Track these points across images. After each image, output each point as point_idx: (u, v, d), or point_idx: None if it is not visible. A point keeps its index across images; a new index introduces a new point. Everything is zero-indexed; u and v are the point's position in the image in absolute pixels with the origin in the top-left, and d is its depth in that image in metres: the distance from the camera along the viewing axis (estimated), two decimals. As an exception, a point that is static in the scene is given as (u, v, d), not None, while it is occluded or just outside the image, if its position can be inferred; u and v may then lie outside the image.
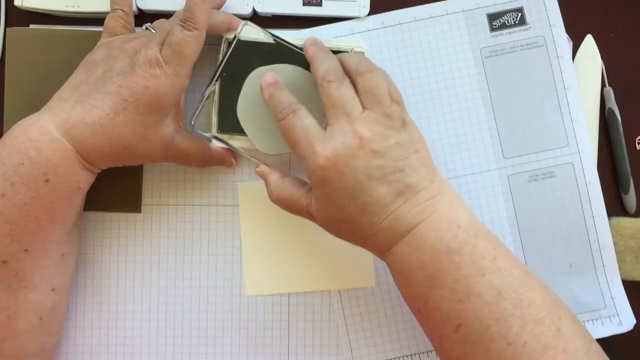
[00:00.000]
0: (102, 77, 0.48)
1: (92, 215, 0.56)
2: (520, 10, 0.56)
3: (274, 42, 0.53)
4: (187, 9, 0.49)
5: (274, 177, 0.51)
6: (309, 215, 0.49)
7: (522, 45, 0.56)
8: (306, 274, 0.56)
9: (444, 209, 0.45)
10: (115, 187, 0.55)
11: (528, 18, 0.56)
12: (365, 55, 0.54)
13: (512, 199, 0.56)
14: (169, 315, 0.56)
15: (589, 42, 0.56)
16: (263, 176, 0.52)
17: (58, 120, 0.46)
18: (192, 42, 0.48)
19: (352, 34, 0.56)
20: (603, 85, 0.57)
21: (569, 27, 0.56)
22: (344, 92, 0.47)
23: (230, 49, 0.53)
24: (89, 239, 0.56)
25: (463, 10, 0.56)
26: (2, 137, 0.47)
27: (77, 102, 0.47)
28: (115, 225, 0.56)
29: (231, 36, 0.53)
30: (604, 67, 0.56)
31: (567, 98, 0.56)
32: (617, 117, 0.56)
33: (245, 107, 0.53)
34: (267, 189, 0.51)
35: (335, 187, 0.45)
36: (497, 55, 0.56)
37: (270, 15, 0.56)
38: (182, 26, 0.48)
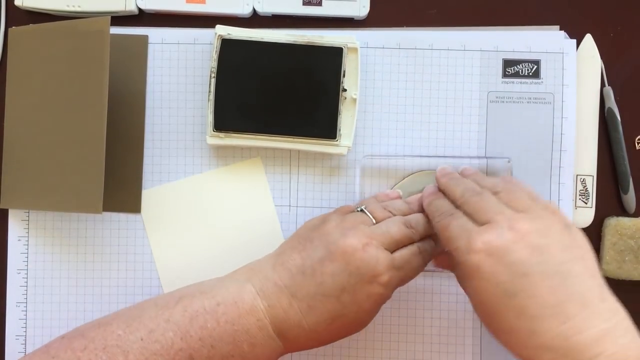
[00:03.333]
0: (321, 273, 0.45)
1: (93, 215, 0.56)
2: (537, 63, 0.56)
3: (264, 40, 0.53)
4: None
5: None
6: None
7: (530, 98, 0.56)
8: (221, 267, 0.55)
9: (624, 340, 0.39)
10: (115, 187, 0.55)
11: (543, 73, 0.56)
12: (359, 54, 0.54)
13: None
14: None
15: (588, 41, 0.56)
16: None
17: (275, 317, 0.45)
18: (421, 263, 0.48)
19: (367, 47, 0.56)
20: (602, 85, 0.57)
21: (569, 27, 0.56)
22: (490, 200, 0.45)
23: (221, 48, 0.53)
24: (89, 239, 0.56)
25: (480, 50, 0.56)
26: (213, 292, 0.45)
27: (293, 298, 0.45)
28: (115, 225, 0.56)
29: (225, 33, 0.53)
30: (603, 66, 0.56)
31: (561, 160, 0.56)
32: (616, 117, 0.56)
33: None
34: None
35: (488, 281, 0.41)
36: (503, 101, 0.56)
37: (270, 15, 0.56)
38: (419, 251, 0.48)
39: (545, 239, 0.42)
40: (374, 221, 0.48)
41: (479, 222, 0.44)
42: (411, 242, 0.48)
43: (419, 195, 0.51)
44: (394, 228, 0.47)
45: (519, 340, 0.41)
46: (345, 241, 0.45)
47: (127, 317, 0.45)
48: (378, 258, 0.45)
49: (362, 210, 0.49)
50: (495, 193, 0.46)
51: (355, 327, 0.46)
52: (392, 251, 0.47)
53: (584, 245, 0.43)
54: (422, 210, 0.50)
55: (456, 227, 0.44)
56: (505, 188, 0.46)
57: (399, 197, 0.53)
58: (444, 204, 0.48)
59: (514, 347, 0.42)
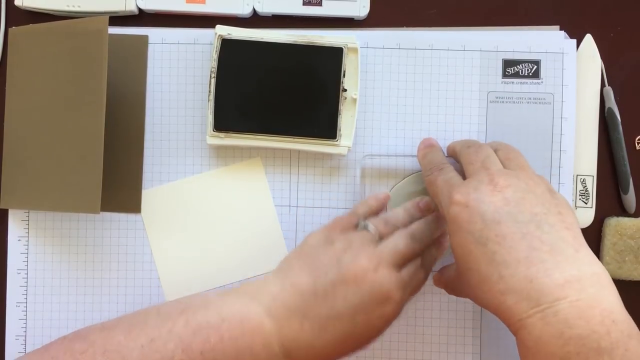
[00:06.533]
0: (334, 296, 0.44)
1: (92, 215, 0.56)
2: (537, 63, 0.56)
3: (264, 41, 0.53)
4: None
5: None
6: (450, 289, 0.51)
7: (530, 99, 0.56)
8: (221, 268, 0.56)
9: (593, 290, 0.38)
10: (115, 187, 0.55)
11: (543, 73, 0.56)
12: (359, 54, 0.55)
13: None
14: (168, 315, 0.56)
15: (588, 42, 0.56)
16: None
17: (284, 338, 0.44)
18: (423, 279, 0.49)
19: (367, 47, 0.56)
20: (603, 85, 0.57)
21: (569, 27, 0.56)
22: (485, 152, 0.47)
23: (221, 48, 0.53)
24: (89, 239, 0.56)
25: (480, 50, 0.56)
26: (218, 307, 0.44)
27: (305, 319, 0.44)
28: (115, 225, 0.56)
29: (225, 33, 0.53)
30: (603, 66, 0.56)
31: (560, 160, 0.56)
32: (616, 117, 0.56)
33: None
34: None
35: (465, 231, 0.42)
36: (503, 102, 0.56)
37: (270, 15, 0.56)
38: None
39: (522, 193, 0.42)
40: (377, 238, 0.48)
41: (466, 176, 0.46)
42: (416, 255, 0.48)
43: (416, 200, 0.51)
44: (401, 244, 0.47)
45: (489, 288, 0.41)
46: (357, 264, 0.45)
47: (129, 324, 0.44)
48: (390, 279, 0.45)
49: (365, 227, 0.49)
50: (495, 150, 0.48)
51: (364, 343, 0.46)
52: (400, 267, 0.47)
53: (565, 205, 0.43)
54: (421, 212, 0.51)
55: (442, 182, 0.46)
56: (507, 147, 0.48)
57: (388, 198, 0.53)
58: (436, 156, 0.51)
59: (484, 296, 0.41)
